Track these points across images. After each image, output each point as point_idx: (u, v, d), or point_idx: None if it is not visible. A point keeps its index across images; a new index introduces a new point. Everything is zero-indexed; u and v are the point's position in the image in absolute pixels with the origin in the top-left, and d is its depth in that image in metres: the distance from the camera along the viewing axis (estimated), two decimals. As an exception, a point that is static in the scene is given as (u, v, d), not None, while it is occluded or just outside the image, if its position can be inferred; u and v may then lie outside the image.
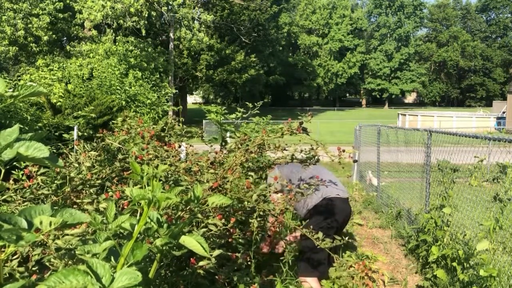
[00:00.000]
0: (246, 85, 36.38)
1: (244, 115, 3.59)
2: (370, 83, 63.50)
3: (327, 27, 60.59)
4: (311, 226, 3.03)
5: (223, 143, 3.27)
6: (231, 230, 2.48)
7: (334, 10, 60.96)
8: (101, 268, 0.87)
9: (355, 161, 9.40)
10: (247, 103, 4.65)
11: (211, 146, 3.07)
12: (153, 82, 15.96)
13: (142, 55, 16.91)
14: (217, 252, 1.98)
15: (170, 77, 22.06)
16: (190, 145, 3.04)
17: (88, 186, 2.67)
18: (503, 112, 31.23)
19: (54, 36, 18.41)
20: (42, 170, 2.67)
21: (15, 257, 1.93)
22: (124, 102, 12.64)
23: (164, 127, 3.11)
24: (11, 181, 2.62)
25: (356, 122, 15.24)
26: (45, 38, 17.50)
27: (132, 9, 17.15)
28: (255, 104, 4.07)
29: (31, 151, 0.90)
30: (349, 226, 5.56)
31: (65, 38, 22.63)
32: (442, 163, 4.51)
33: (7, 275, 1.77)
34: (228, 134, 3.85)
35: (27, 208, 0.94)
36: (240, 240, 2.70)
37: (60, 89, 12.22)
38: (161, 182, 2.41)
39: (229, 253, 2.50)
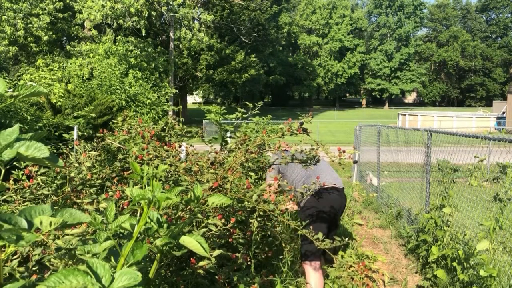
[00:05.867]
0: (246, 85, 36.38)
1: (244, 115, 3.59)
2: (370, 83, 63.49)
3: (327, 27, 60.58)
4: (309, 214, 3.09)
5: (223, 143, 3.27)
6: (231, 230, 2.48)
7: (334, 10, 60.94)
8: (101, 268, 0.87)
9: (355, 162, 9.40)
10: (247, 103, 4.64)
11: (211, 146, 3.08)
12: (153, 82, 15.95)
13: (142, 55, 16.90)
14: (217, 252, 1.98)
15: (170, 77, 22.06)
16: (190, 145, 3.03)
17: (88, 186, 2.67)
18: (503, 112, 31.23)
19: (54, 36, 18.40)
20: (42, 170, 2.67)
21: (15, 257, 1.93)
22: (124, 102, 12.64)
23: (164, 127, 3.11)
24: (11, 181, 2.62)
25: (356, 122, 15.24)
26: (45, 38, 17.49)
27: (132, 9, 17.14)
28: (256, 104, 4.06)
29: (31, 151, 0.90)
30: (349, 226, 5.57)
31: (65, 38, 22.62)
32: (442, 163, 4.52)
33: (7, 275, 1.77)
34: (228, 134, 3.85)
35: (27, 208, 0.94)
36: (240, 240, 2.70)
37: (60, 89, 12.21)
38: (161, 182, 2.41)
39: (229, 253, 2.50)
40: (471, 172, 7.97)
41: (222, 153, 2.93)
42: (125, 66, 15.16)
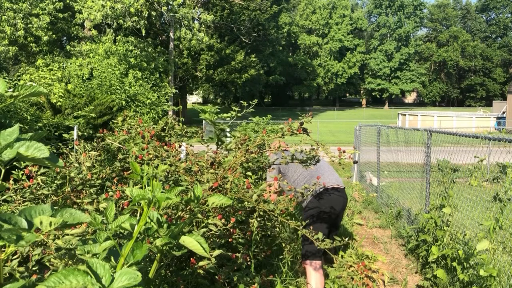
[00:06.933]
0: (246, 85, 36.38)
1: (238, 114, 3.58)
2: (370, 83, 63.51)
3: (327, 27, 60.60)
4: (311, 214, 3.09)
5: (219, 143, 3.26)
6: (231, 230, 2.48)
7: (334, 10, 60.97)
8: (101, 268, 0.87)
9: (355, 162, 9.41)
10: (242, 102, 4.63)
11: (208, 146, 3.07)
12: (153, 82, 15.95)
13: (142, 55, 16.90)
14: (217, 252, 1.98)
15: (170, 77, 22.06)
16: (190, 145, 3.03)
17: (88, 186, 2.67)
18: (503, 112, 31.24)
19: (54, 36, 18.39)
20: (42, 170, 2.67)
21: (15, 257, 1.93)
22: (124, 102, 12.64)
23: (164, 127, 3.11)
24: (11, 181, 2.62)
25: (356, 122, 15.24)
26: (45, 38, 17.47)
27: (132, 9, 17.14)
28: (250, 102, 4.06)
29: (31, 151, 0.90)
30: (349, 226, 5.57)
31: (65, 38, 22.62)
32: (442, 163, 4.52)
33: (7, 275, 1.77)
34: (227, 133, 3.84)
35: (27, 208, 0.94)
36: (240, 240, 2.70)
37: (60, 89, 12.22)
38: (161, 182, 2.41)
39: (229, 253, 2.50)
40: (471, 172, 7.97)
41: (221, 153, 2.93)
42: (125, 66, 15.17)
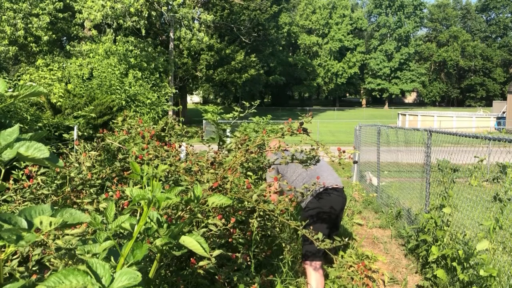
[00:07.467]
0: (246, 85, 36.38)
1: (241, 114, 3.58)
2: (370, 83, 63.50)
3: (327, 27, 60.61)
4: (310, 214, 3.09)
5: (221, 143, 3.26)
6: (231, 230, 2.48)
7: (334, 10, 60.98)
8: (101, 268, 0.87)
9: (355, 162, 9.41)
10: (244, 102, 4.64)
11: (209, 146, 3.08)
12: (153, 82, 15.95)
13: (142, 55, 16.90)
14: (217, 252, 1.98)
15: (170, 77, 22.05)
16: (190, 145, 3.03)
17: (88, 186, 2.67)
18: (503, 112, 31.25)
19: (54, 36, 18.38)
20: (42, 170, 2.67)
21: (15, 257, 1.93)
22: (124, 102, 12.63)
23: (164, 127, 3.11)
24: (11, 181, 2.62)
25: (356, 122, 15.24)
26: (45, 38, 17.46)
27: (132, 9, 17.14)
28: (252, 103, 4.07)
29: (31, 151, 0.90)
30: (349, 226, 5.57)
31: (65, 38, 22.61)
32: (442, 163, 4.52)
33: (7, 275, 1.77)
34: (228, 132, 3.85)
35: (27, 208, 0.94)
36: (240, 240, 2.70)
37: (60, 89, 12.21)
38: (161, 182, 2.41)
39: (229, 253, 2.50)
40: (471, 172, 7.97)
41: (221, 153, 2.93)
42: (125, 66, 15.16)
